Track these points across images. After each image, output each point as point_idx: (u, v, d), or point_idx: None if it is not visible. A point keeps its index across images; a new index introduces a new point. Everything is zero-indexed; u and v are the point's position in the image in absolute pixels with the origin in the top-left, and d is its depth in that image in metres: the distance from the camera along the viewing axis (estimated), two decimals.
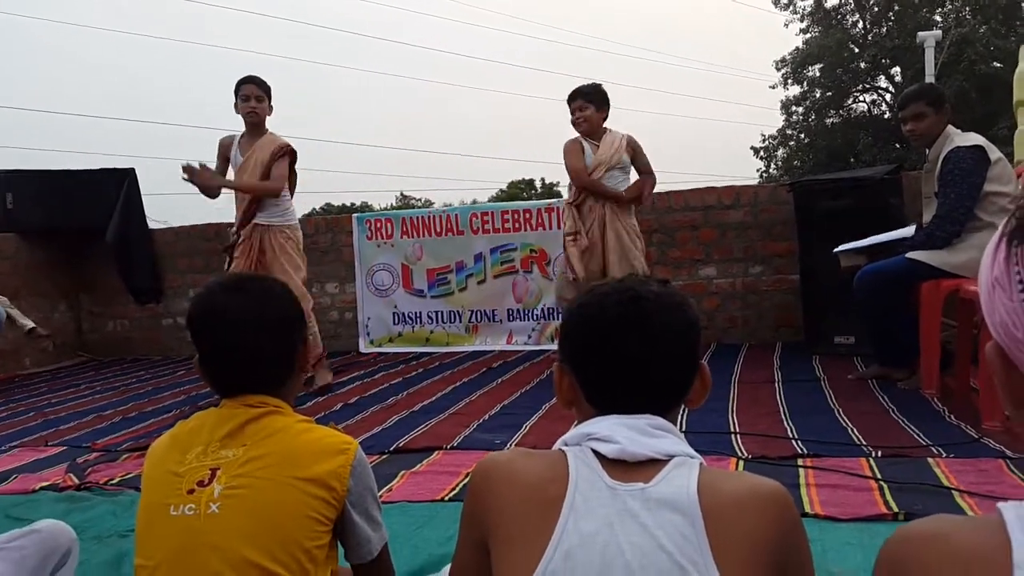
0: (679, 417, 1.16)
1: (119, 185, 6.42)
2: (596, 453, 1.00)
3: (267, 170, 4.30)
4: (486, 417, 3.55)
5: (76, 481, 2.90)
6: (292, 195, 4.56)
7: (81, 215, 6.39)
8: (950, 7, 25.49)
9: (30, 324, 5.31)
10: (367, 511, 1.36)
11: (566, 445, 1.05)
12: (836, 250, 3.89)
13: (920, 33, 7.89)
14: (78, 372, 6.08)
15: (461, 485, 2.58)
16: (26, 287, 6.36)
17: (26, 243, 6.45)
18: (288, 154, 4.37)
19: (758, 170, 29.93)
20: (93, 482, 2.89)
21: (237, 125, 4.44)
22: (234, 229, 4.39)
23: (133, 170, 6.55)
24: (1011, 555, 0.58)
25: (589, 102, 4.33)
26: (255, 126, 4.36)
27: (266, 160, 4.29)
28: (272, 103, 4.41)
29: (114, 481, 2.89)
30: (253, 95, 4.30)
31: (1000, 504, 0.63)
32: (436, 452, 3.03)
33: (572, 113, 4.35)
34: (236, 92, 4.32)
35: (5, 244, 6.37)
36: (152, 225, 6.74)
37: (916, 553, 0.65)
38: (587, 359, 1.08)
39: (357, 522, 1.34)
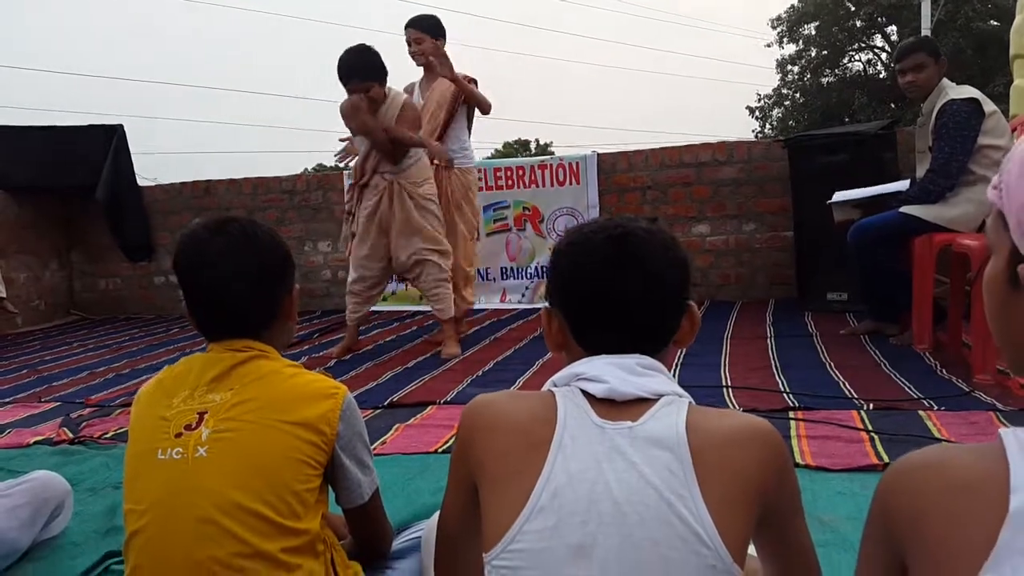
0: (674, 362, 1.15)
1: (107, 142, 6.34)
2: (585, 393, 1.00)
3: (452, 106, 4.18)
4: (480, 373, 3.56)
5: (70, 435, 2.91)
6: (471, 122, 4.44)
7: (70, 172, 6.31)
8: None
9: (3, 293, 5.28)
10: (357, 455, 1.36)
11: (555, 386, 1.04)
12: (829, 201, 3.87)
13: None
14: (71, 331, 6.06)
15: (454, 437, 2.59)
16: (16, 245, 6.31)
17: (15, 201, 6.36)
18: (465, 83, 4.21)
19: (753, 130, 29.75)
20: (87, 436, 2.90)
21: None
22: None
23: (121, 126, 6.47)
24: (1009, 479, 0.58)
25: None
26: (428, 68, 4.22)
27: (447, 98, 4.18)
28: (442, 37, 4.19)
29: (108, 435, 2.90)
30: (413, 38, 4.14)
31: (1001, 430, 0.62)
32: (430, 407, 3.05)
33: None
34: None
35: None
36: (141, 183, 6.67)
37: (911, 482, 0.65)
38: (576, 299, 1.07)
39: (347, 466, 1.34)
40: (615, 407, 0.97)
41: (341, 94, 3.84)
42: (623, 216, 1.11)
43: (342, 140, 4.40)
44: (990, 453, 0.61)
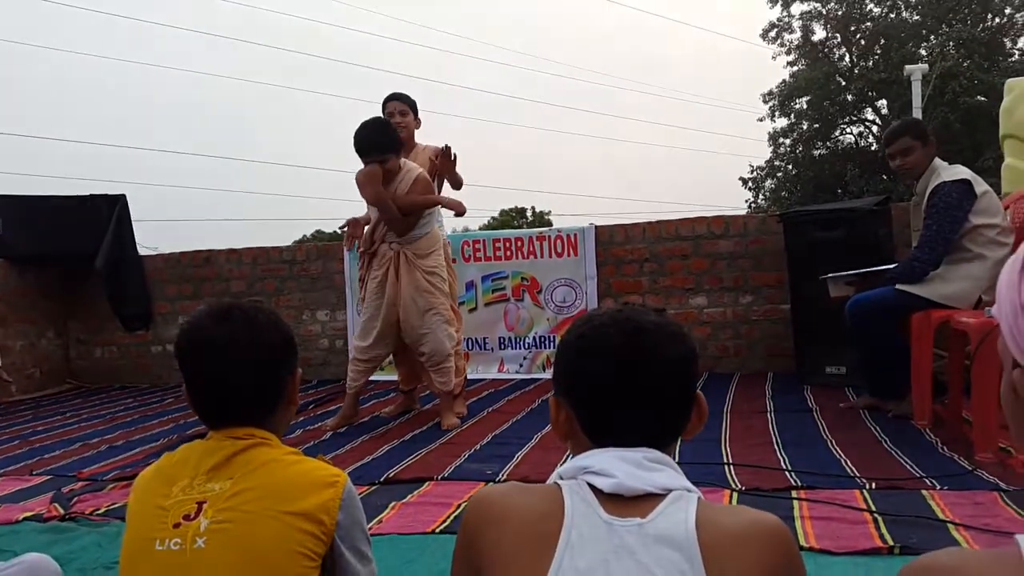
0: (675, 448, 1.14)
1: (110, 211, 6.41)
2: (592, 487, 0.99)
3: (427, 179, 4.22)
4: (477, 447, 3.52)
5: (61, 511, 2.86)
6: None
7: (71, 241, 6.36)
8: (935, 41, 25.89)
9: None
10: (356, 546, 1.34)
11: (561, 479, 1.03)
12: (824, 276, 3.90)
13: (907, 67, 8.03)
14: (65, 400, 6.02)
15: (452, 517, 2.55)
16: (14, 314, 6.31)
17: (15, 269, 6.40)
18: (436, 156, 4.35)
19: (746, 201, 30.15)
20: (78, 512, 2.84)
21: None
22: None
23: (124, 196, 6.55)
24: None
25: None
26: (405, 140, 4.33)
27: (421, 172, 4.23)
28: (419, 116, 4.44)
29: (100, 511, 2.84)
30: (397, 110, 4.34)
31: (1018, 536, 0.62)
32: (427, 483, 3.00)
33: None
34: (382, 111, 4.36)
35: None
36: (142, 251, 6.72)
37: None
38: (586, 392, 1.07)
39: (346, 557, 1.32)
40: (623, 502, 0.97)
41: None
42: (632, 307, 1.12)
43: (342, 229, 4.44)
44: (1009, 561, 0.61)
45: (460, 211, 4.18)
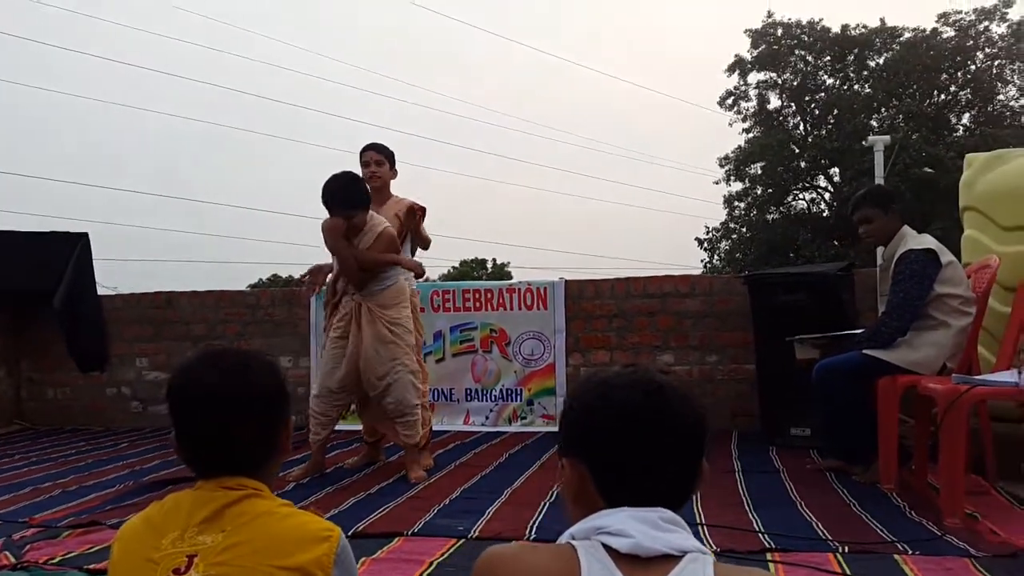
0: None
1: (71, 249, 6.27)
2: (607, 548, 0.98)
3: (399, 232, 4.22)
4: (447, 501, 3.47)
5: (12, 560, 2.74)
6: (413, 253, 4.52)
7: (28, 278, 6.19)
8: (885, 114, 26.93)
9: None
10: None
11: (573, 539, 1.02)
12: (791, 339, 3.98)
13: (871, 137, 8.39)
14: (13, 441, 5.79)
15: (426, 575, 2.50)
16: None
17: None
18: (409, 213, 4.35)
19: (702, 260, 30.67)
20: (31, 561, 2.72)
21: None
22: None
23: (86, 234, 6.42)
24: None
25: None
26: (377, 191, 4.32)
27: (394, 224, 4.21)
28: (395, 167, 4.44)
29: (55, 560, 2.72)
30: (373, 160, 4.33)
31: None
32: (397, 538, 2.94)
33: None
34: (360, 160, 4.36)
35: None
36: (101, 291, 6.58)
37: None
38: (605, 452, 1.06)
39: None
40: (640, 564, 0.96)
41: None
42: (645, 368, 1.13)
43: (303, 278, 4.42)
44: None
45: (419, 272, 4.21)
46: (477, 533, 2.96)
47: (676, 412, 1.05)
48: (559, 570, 0.97)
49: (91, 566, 2.59)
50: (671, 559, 0.97)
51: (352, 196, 3.90)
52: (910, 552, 2.57)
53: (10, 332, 6.56)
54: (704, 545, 2.69)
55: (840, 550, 2.61)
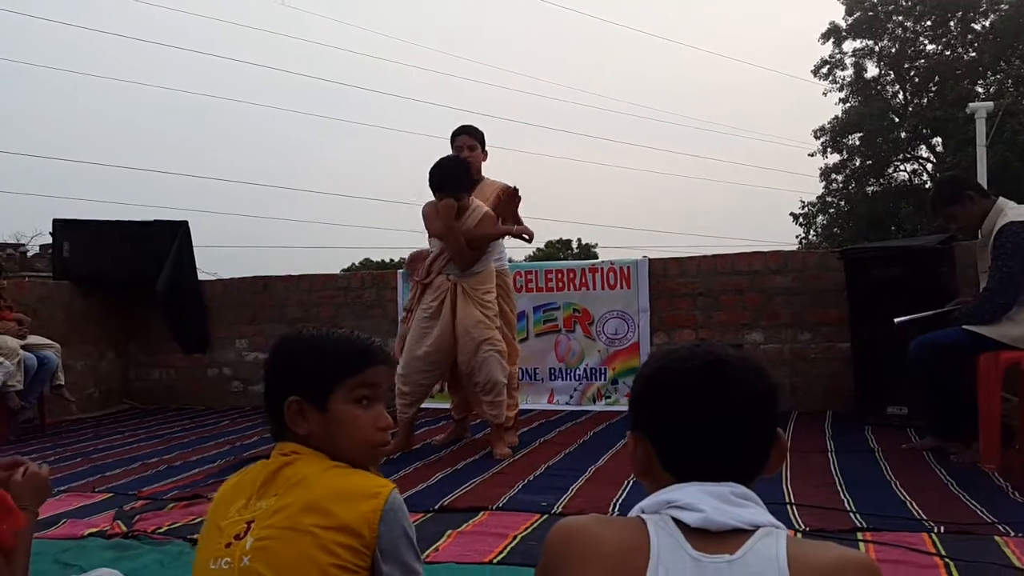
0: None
1: (172, 237, 6.58)
2: (677, 522, 0.97)
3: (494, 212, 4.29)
4: (531, 478, 3.51)
5: (124, 529, 2.91)
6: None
7: (134, 265, 6.53)
8: (992, 79, 25.46)
9: (61, 380, 5.48)
10: (401, 559, 1.28)
11: (643, 512, 1.01)
12: (897, 320, 3.82)
13: (971, 104, 7.90)
14: (123, 419, 6.15)
15: (510, 548, 2.54)
16: (76, 334, 6.48)
17: (79, 291, 6.59)
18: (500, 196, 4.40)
19: (797, 236, 29.75)
20: (140, 530, 2.89)
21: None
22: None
23: (186, 222, 6.72)
24: None
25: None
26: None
27: (489, 206, 4.27)
28: (486, 150, 4.51)
29: (161, 530, 2.89)
30: (466, 144, 4.41)
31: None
32: (482, 512, 2.99)
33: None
34: (451, 144, 4.45)
35: (59, 292, 6.52)
36: (202, 276, 6.88)
37: None
38: (669, 427, 1.05)
39: (387, 572, 1.26)
40: (710, 538, 0.95)
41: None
42: (712, 342, 1.11)
43: (406, 264, 4.51)
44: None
45: (529, 236, 4.28)
46: (560, 509, 2.98)
47: (739, 383, 1.02)
48: (630, 541, 0.97)
49: (194, 536, 2.72)
50: (743, 533, 0.95)
51: (462, 179, 4.02)
52: (1012, 534, 2.45)
53: (119, 317, 6.93)
54: (793, 524, 2.65)
55: (936, 530, 2.52)
